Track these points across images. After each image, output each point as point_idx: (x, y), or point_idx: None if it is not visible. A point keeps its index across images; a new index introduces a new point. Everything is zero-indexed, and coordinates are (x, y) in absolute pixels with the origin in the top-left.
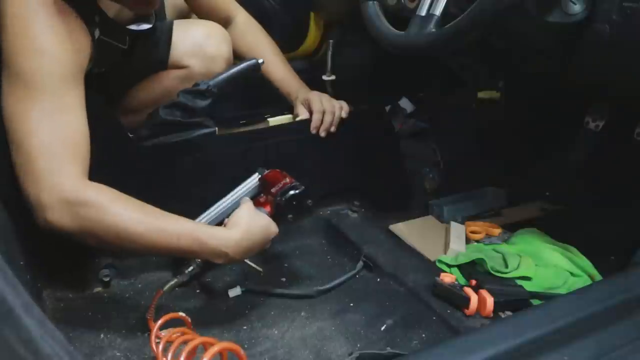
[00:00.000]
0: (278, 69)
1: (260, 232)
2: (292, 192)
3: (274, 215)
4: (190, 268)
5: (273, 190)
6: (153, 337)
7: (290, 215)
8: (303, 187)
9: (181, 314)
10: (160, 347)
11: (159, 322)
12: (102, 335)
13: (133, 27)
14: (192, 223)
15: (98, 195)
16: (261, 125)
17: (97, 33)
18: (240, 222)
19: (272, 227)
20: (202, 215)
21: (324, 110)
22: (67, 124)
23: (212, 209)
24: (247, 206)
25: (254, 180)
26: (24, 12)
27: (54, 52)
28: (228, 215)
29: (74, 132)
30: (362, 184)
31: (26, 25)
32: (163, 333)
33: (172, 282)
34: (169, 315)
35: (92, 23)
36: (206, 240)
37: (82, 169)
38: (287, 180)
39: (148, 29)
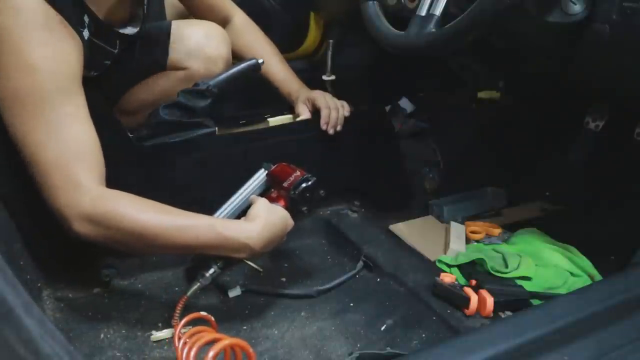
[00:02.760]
0: (278, 69)
1: (280, 223)
2: (304, 185)
3: (288, 209)
4: (212, 270)
5: (285, 184)
6: (176, 337)
7: (304, 208)
8: (314, 178)
9: (203, 313)
10: (181, 344)
11: (182, 322)
12: (102, 335)
13: (123, 30)
14: (211, 218)
15: (114, 204)
16: (261, 126)
17: (86, 34)
18: (259, 214)
19: (289, 220)
20: (214, 215)
21: (329, 106)
22: (73, 135)
23: (223, 207)
24: (263, 201)
25: (261, 176)
26: (12, 25)
27: (46, 66)
28: (239, 214)
29: (82, 141)
30: (362, 184)
31: (15, 41)
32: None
33: (194, 287)
34: (192, 315)
35: (81, 24)
36: (226, 233)
37: (97, 175)
38: (298, 173)
39: (135, 34)
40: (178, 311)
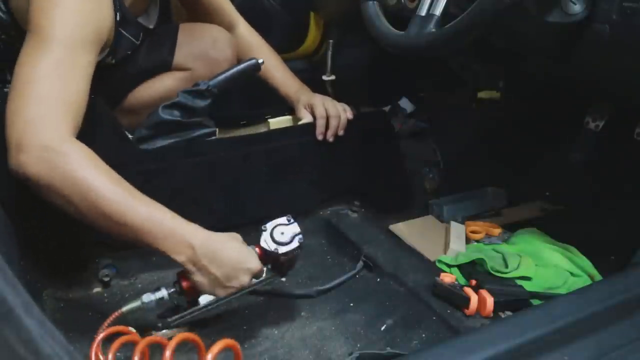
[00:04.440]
0: (276, 71)
1: (237, 249)
2: (283, 255)
3: (261, 258)
4: (159, 294)
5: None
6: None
7: (275, 271)
8: (299, 251)
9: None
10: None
11: (101, 335)
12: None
13: (142, 20)
14: (166, 209)
15: (79, 151)
16: (262, 126)
17: (118, 16)
18: (221, 234)
19: (253, 260)
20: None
21: (328, 115)
22: (71, 81)
23: None
24: (236, 235)
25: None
26: None
27: (78, 13)
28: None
29: (76, 91)
30: (362, 184)
31: None
32: None
33: (132, 305)
34: (113, 328)
35: (116, 7)
36: (174, 226)
37: (73, 126)
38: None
39: (154, 27)
40: (105, 326)
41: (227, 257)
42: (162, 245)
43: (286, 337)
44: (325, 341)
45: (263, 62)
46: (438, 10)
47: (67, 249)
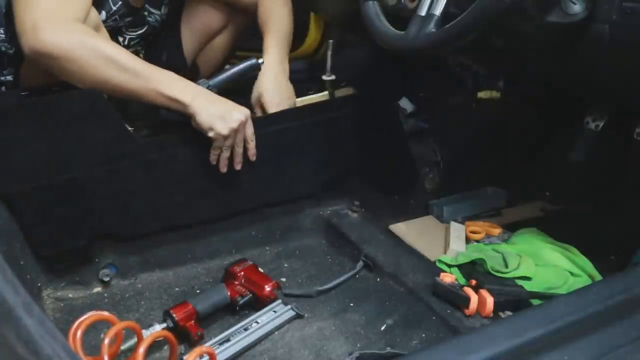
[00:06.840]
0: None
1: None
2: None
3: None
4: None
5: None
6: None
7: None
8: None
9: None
10: None
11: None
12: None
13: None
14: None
15: (87, 27)
16: None
17: None
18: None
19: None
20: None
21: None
22: None
23: None
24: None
25: None
26: None
27: None
28: None
29: None
30: (362, 166)
31: None
32: None
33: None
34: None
35: None
36: (177, 76)
37: (81, 17)
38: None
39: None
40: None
41: (218, 97)
42: (171, 89)
43: (286, 337)
44: (325, 341)
45: (262, 63)
46: (438, 10)
47: (67, 248)
